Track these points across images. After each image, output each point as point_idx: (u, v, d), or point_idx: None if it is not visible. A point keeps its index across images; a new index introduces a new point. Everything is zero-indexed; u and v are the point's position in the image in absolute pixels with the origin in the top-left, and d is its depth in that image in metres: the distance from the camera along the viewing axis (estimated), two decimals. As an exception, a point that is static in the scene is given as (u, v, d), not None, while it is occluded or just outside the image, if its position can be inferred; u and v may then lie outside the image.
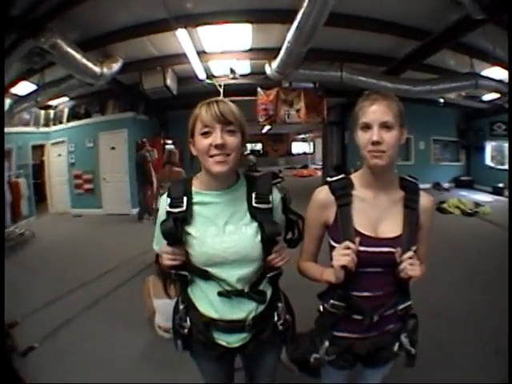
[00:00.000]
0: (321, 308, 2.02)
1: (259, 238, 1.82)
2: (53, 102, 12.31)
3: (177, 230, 1.76)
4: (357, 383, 2.34)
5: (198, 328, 1.93)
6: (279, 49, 7.42)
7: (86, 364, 4.04)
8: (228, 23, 7.41)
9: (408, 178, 1.95)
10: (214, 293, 1.85)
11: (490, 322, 4.61)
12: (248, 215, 1.85)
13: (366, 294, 1.86)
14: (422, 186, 1.94)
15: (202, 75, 10.32)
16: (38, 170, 14.09)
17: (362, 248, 1.74)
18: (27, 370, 3.71)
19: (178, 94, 10.90)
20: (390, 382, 2.27)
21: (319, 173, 22.41)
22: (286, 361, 2.19)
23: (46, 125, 13.81)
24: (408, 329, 1.97)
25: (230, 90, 10.66)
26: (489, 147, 15.88)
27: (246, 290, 1.86)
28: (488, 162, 15.93)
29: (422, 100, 12.28)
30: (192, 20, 7.17)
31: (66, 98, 12.42)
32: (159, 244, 1.94)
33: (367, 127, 1.75)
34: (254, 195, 1.84)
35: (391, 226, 1.86)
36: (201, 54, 8.89)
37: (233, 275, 1.83)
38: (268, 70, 8.94)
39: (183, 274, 1.89)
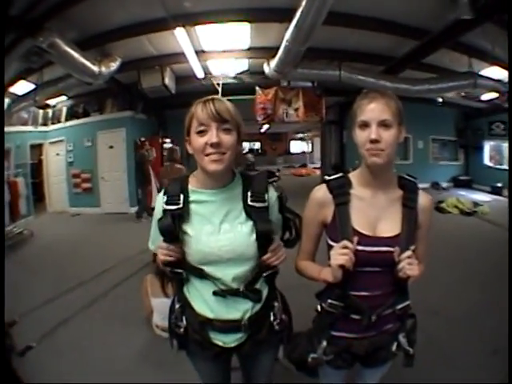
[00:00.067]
0: (318, 307, 2.02)
1: (254, 236, 1.81)
2: (51, 101, 12.30)
3: (174, 227, 1.76)
4: (355, 383, 2.33)
5: (193, 327, 1.93)
6: (278, 48, 7.42)
7: (84, 363, 4.04)
8: (226, 22, 7.40)
9: (406, 177, 1.94)
10: (210, 292, 1.85)
11: (489, 321, 4.61)
12: (243, 214, 1.84)
13: (364, 293, 1.86)
14: (420, 185, 1.93)
15: (200, 74, 10.34)
16: (37, 169, 14.07)
17: (360, 247, 1.73)
18: (25, 370, 3.70)
19: (177, 92, 10.95)
20: (388, 381, 2.27)
21: (317, 172, 22.45)
22: (284, 360, 2.19)
23: (45, 124, 13.81)
24: (406, 329, 1.97)
25: (228, 89, 10.64)
26: (487, 147, 15.90)
27: (241, 289, 1.85)
28: (486, 161, 15.95)
29: (421, 99, 12.31)
30: (190, 19, 7.17)
31: (64, 97, 12.40)
32: (155, 243, 1.93)
33: (365, 125, 1.74)
34: (249, 194, 1.84)
35: (389, 225, 1.85)
36: (199, 53, 8.90)
37: (228, 274, 1.83)
38: (266, 69, 8.96)
39: (178, 272, 1.89)
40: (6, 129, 10.43)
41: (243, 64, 10.46)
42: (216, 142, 1.67)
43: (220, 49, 9.12)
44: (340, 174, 1.94)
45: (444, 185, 16.38)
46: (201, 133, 1.71)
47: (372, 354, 1.98)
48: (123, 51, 8.57)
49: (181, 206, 1.80)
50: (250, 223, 1.82)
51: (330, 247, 1.85)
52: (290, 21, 6.05)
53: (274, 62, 8.24)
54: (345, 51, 9.18)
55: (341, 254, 1.68)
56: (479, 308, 5.07)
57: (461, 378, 3.56)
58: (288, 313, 2.14)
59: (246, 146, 32.11)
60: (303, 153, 34.09)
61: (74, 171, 13.64)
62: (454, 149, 17.57)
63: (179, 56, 8.87)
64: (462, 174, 17.15)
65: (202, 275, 1.85)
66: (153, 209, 1.94)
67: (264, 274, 1.91)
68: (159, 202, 1.88)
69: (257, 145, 33.28)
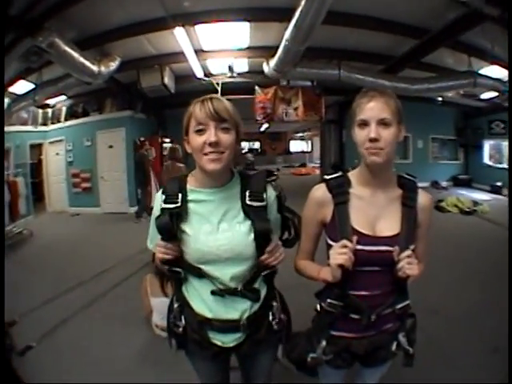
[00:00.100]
0: (318, 307, 2.02)
1: (252, 235, 1.81)
2: (51, 101, 12.38)
3: (172, 225, 1.75)
4: (355, 383, 2.33)
5: (192, 327, 1.92)
6: (277, 47, 7.42)
7: (84, 363, 4.04)
8: (226, 21, 7.40)
9: (406, 176, 1.94)
10: (208, 292, 1.84)
11: (489, 320, 4.60)
12: (242, 213, 1.83)
13: (363, 292, 1.85)
14: (420, 184, 1.92)
15: (199, 73, 10.35)
16: (36, 169, 14.09)
17: (359, 247, 1.73)
18: (25, 369, 3.70)
19: (176, 92, 10.94)
20: (387, 381, 2.27)
21: (317, 171, 22.40)
22: (284, 360, 2.19)
23: (44, 124, 13.81)
24: (406, 328, 1.96)
25: (227, 89, 10.64)
26: (487, 146, 15.92)
27: (239, 289, 1.84)
28: (486, 160, 15.97)
29: (420, 98, 12.36)
30: (190, 18, 7.17)
31: (63, 97, 12.43)
32: (153, 242, 1.93)
33: (364, 124, 1.74)
34: (247, 193, 1.83)
35: (389, 225, 1.85)
36: (198, 52, 8.90)
37: (226, 273, 1.82)
38: (266, 68, 8.96)
39: (177, 271, 1.88)
40: (6, 128, 10.41)
41: (243, 63, 10.44)
42: (214, 141, 1.67)
43: (219, 48, 9.11)
44: (339, 173, 1.93)
45: (444, 184, 16.39)
46: (199, 132, 1.71)
47: (372, 354, 1.98)
48: (122, 51, 8.58)
49: (179, 204, 1.80)
50: (249, 222, 1.81)
51: (330, 247, 1.84)
52: (289, 20, 6.05)
53: (273, 62, 8.24)
54: (344, 50, 9.18)
55: (340, 254, 1.68)
56: (479, 307, 5.07)
57: (460, 378, 3.56)
58: (287, 312, 2.13)
59: (246, 145, 32.13)
60: (303, 152, 34.12)
61: (74, 171, 13.64)
62: (454, 148, 17.58)
63: (178, 55, 8.87)
64: (462, 173, 17.16)
65: (201, 274, 1.85)
66: (152, 208, 1.93)
67: (262, 274, 1.90)
68: (157, 200, 1.88)
69: (256, 144, 33.27)
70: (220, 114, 1.69)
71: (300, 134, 32.93)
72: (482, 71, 9.41)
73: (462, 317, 4.83)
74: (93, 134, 13.38)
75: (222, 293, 1.83)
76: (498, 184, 14.23)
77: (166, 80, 10.04)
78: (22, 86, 9.42)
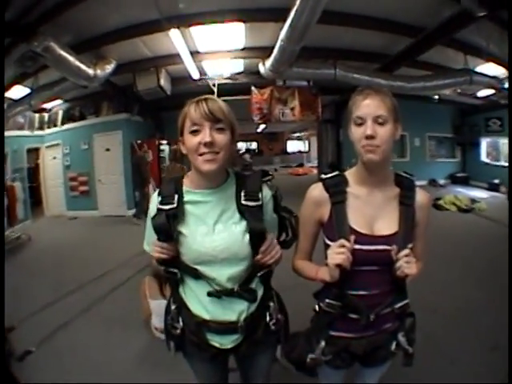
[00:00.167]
0: (316, 307, 2.01)
1: (248, 235, 1.80)
2: (47, 105, 12.39)
3: (169, 226, 1.75)
4: (355, 383, 2.33)
5: (190, 329, 1.92)
6: (272, 47, 7.41)
7: (84, 367, 4.04)
8: (221, 23, 7.39)
9: (403, 175, 1.93)
10: (205, 293, 1.84)
11: (487, 318, 4.61)
12: (237, 213, 1.83)
13: (361, 292, 1.85)
14: (417, 182, 1.93)
15: (195, 75, 10.33)
16: (34, 174, 14.07)
17: (357, 246, 1.72)
18: (24, 375, 3.70)
19: (172, 94, 10.91)
20: (387, 379, 2.26)
21: (315, 171, 22.47)
22: (283, 360, 2.18)
23: (41, 128, 13.79)
24: (405, 328, 1.96)
25: (223, 90, 10.64)
26: (484, 143, 15.97)
27: (235, 289, 1.84)
28: (483, 158, 16.02)
29: (417, 97, 12.41)
30: (185, 20, 7.16)
31: (60, 101, 12.47)
32: (150, 244, 1.91)
33: (361, 121, 1.73)
34: (242, 193, 1.83)
35: (387, 224, 1.84)
36: (194, 53, 8.89)
37: (223, 274, 1.82)
38: (262, 68, 8.94)
39: (173, 272, 1.88)
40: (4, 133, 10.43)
41: (238, 64, 10.44)
42: (209, 142, 1.67)
43: (215, 49, 9.11)
44: (336, 173, 1.93)
45: (441, 182, 16.42)
46: (194, 132, 1.70)
47: (371, 354, 1.97)
48: (118, 54, 8.57)
49: (175, 205, 1.80)
50: (244, 223, 1.81)
51: (327, 246, 1.83)
52: (284, 20, 6.04)
53: (269, 62, 8.22)
54: (340, 50, 9.19)
55: (338, 253, 1.67)
56: (476, 304, 5.08)
57: (458, 375, 3.58)
58: (284, 312, 2.13)
59: (243, 146, 32.16)
60: (300, 152, 34.21)
61: (71, 174, 13.62)
62: (451, 146, 17.62)
63: (174, 57, 8.87)
64: (459, 171, 17.19)
65: (197, 275, 1.85)
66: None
67: (258, 274, 1.90)
68: (153, 202, 1.88)
69: (253, 145, 33.36)
70: (215, 115, 1.68)
71: (297, 134, 32.99)
72: (478, 69, 9.43)
73: (460, 314, 4.84)
74: (90, 137, 13.36)
75: (219, 294, 1.83)
76: (496, 181, 14.28)
77: (162, 82, 10.03)
78: (17, 91, 9.41)
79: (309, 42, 6.90)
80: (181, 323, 1.95)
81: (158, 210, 1.81)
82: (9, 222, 10.54)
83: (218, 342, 1.91)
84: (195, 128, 1.70)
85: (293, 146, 34.93)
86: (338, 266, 1.68)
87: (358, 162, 1.87)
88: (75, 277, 6.65)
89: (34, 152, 13.93)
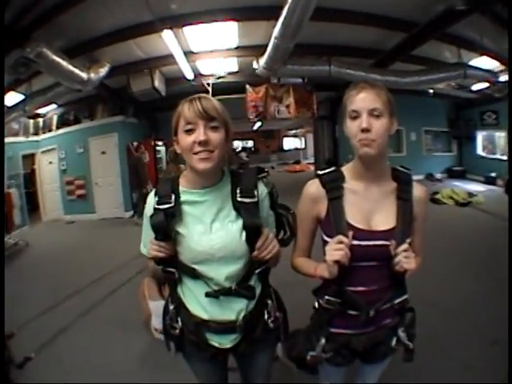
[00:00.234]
0: (316, 304, 2.00)
1: (245, 233, 1.80)
2: (41, 111, 12.34)
3: (167, 224, 1.75)
4: (355, 382, 2.33)
5: (189, 328, 1.92)
6: (266, 45, 7.40)
7: (84, 371, 4.04)
8: (213, 22, 7.38)
9: (400, 169, 1.93)
10: (203, 293, 1.84)
11: (486, 311, 4.61)
12: (233, 211, 1.82)
13: (360, 288, 1.84)
14: (414, 177, 1.92)
15: (189, 75, 10.33)
16: (30, 179, 14.06)
17: (355, 242, 1.71)
18: (24, 382, 3.69)
19: (167, 95, 10.92)
20: (386, 374, 2.26)
21: (312, 167, 22.54)
22: (283, 358, 2.18)
23: (36, 133, 13.79)
24: (405, 323, 1.95)
25: (218, 89, 10.65)
26: (480, 137, 15.99)
27: (233, 288, 1.83)
28: (479, 151, 16.04)
29: (412, 91, 12.39)
30: (177, 21, 7.15)
31: (54, 106, 12.43)
32: (147, 246, 1.91)
33: (356, 115, 1.73)
34: (238, 190, 1.82)
35: (384, 219, 1.84)
36: (188, 54, 8.88)
37: (221, 273, 1.82)
38: (256, 66, 8.93)
39: (171, 272, 1.88)
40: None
41: (232, 63, 10.44)
42: (204, 140, 1.66)
43: (208, 49, 9.10)
44: (332, 168, 1.92)
45: (438, 176, 16.45)
46: (188, 132, 1.70)
47: (371, 350, 1.97)
48: (111, 56, 8.57)
49: (172, 205, 1.79)
50: (241, 220, 1.80)
51: (325, 243, 1.82)
52: (277, 18, 6.04)
53: (263, 60, 8.21)
54: (334, 46, 9.19)
55: (336, 250, 1.66)
56: (475, 298, 5.08)
57: (458, 370, 3.58)
58: (283, 310, 2.12)
59: (239, 144, 32.16)
60: (296, 149, 34.20)
61: (68, 178, 13.61)
62: (447, 140, 17.63)
63: (168, 58, 8.86)
64: (456, 165, 17.22)
65: (195, 275, 1.84)
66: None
67: (256, 271, 1.90)
68: (150, 203, 1.87)
69: (250, 143, 33.30)
70: (209, 113, 1.68)
71: (293, 131, 33.07)
72: (472, 62, 9.44)
73: (459, 308, 4.85)
74: (85, 140, 13.36)
75: (217, 294, 1.82)
76: (492, 175, 14.31)
77: (157, 83, 10.02)
78: (11, 98, 9.41)
79: (302, 39, 6.89)
80: (179, 323, 1.95)
81: (155, 209, 1.80)
82: (6, 229, 10.51)
83: (217, 341, 1.90)
84: (189, 127, 1.69)
85: (289, 143, 34.91)
86: (337, 262, 1.67)
87: (355, 157, 1.86)
88: (74, 281, 6.65)
89: (29, 158, 13.92)
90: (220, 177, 1.87)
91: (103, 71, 8.60)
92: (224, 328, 1.87)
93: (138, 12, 6.70)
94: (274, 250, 1.77)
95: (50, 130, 13.85)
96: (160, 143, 13.85)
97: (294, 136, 34.43)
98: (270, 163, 29.39)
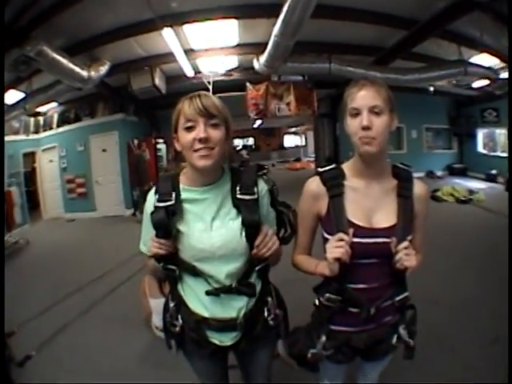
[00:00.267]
0: (316, 302, 1.99)
1: (245, 230, 1.80)
2: (42, 109, 12.33)
3: (168, 221, 1.75)
4: (356, 380, 2.33)
5: (189, 326, 1.92)
6: (266, 43, 7.39)
7: (85, 368, 4.04)
8: (214, 20, 7.37)
9: (401, 166, 1.92)
10: (204, 291, 1.83)
11: (486, 309, 4.61)
12: (233, 209, 1.82)
13: (361, 286, 1.84)
14: (415, 174, 1.91)
15: (189, 73, 10.32)
16: (30, 178, 14.06)
17: (355, 239, 1.71)
18: (25, 380, 3.70)
19: (167, 92, 10.90)
20: (387, 371, 2.26)
21: (312, 165, 22.49)
22: (284, 356, 2.18)
23: (36, 132, 13.78)
24: (406, 320, 1.95)
25: (219, 87, 10.64)
26: (480, 134, 15.96)
27: (234, 286, 1.83)
28: (480, 149, 16.01)
29: (413, 89, 12.39)
30: (177, 18, 7.14)
31: (55, 104, 12.42)
32: (147, 245, 1.92)
33: (356, 113, 1.72)
34: (238, 187, 1.82)
35: (385, 216, 1.83)
36: (188, 51, 8.87)
37: (221, 271, 1.82)
38: (256, 64, 8.92)
39: (171, 269, 1.87)
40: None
41: (233, 61, 10.43)
42: (204, 137, 1.66)
43: (209, 47, 9.09)
44: (333, 166, 1.92)
45: (439, 173, 16.39)
46: (188, 129, 1.69)
47: (372, 348, 1.97)
48: (112, 54, 8.55)
49: (173, 202, 1.79)
50: (240, 218, 1.80)
51: (326, 240, 1.83)
52: (277, 16, 6.03)
53: (263, 58, 8.20)
54: (334, 43, 9.17)
55: (336, 247, 1.66)
56: (476, 295, 5.09)
57: (459, 369, 3.58)
58: (283, 307, 2.13)
59: (240, 142, 32.17)
60: (297, 147, 34.15)
61: (68, 177, 13.63)
62: (448, 137, 17.60)
63: (168, 56, 8.85)
64: (457, 162, 17.17)
65: (196, 273, 1.84)
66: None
67: (256, 268, 1.90)
68: (150, 200, 1.87)
69: (250, 141, 33.29)
70: (209, 110, 1.68)
71: (294, 129, 32.97)
72: (473, 60, 9.43)
73: (459, 305, 4.85)
74: (86, 138, 13.36)
75: (218, 292, 1.82)
76: (493, 172, 14.28)
77: (157, 81, 10.01)
78: (12, 96, 9.40)
79: (303, 37, 6.88)
80: (180, 320, 1.95)
81: (156, 207, 1.80)
82: (7, 227, 10.51)
83: (218, 339, 1.91)
84: (189, 124, 1.69)
85: (290, 140, 34.88)
86: (337, 259, 1.67)
87: (355, 154, 1.86)
88: (74, 279, 6.65)
89: (30, 156, 13.92)
90: (220, 174, 1.86)
91: (103, 69, 8.60)
92: (224, 325, 1.87)
93: (138, 10, 6.68)
94: (274, 247, 1.77)
95: (51, 128, 13.86)
96: (160, 141, 13.85)
97: (295, 134, 34.40)
98: (270, 161, 29.33)
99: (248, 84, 11.67)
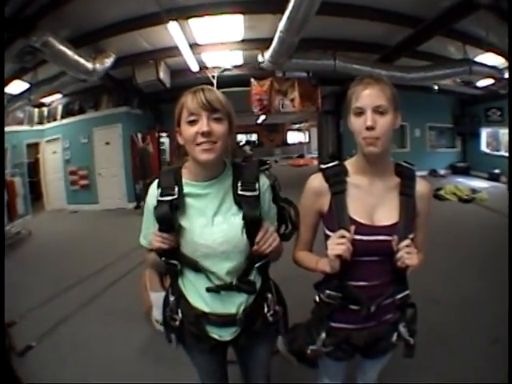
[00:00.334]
0: (317, 298, 2.00)
1: (246, 227, 1.79)
2: (46, 100, 12.37)
3: (172, 215, 1.74)
4: (355, 377, 2.33)
5: (189, 320, 1.92)
6: (272, 39, 7.39)
7: (85, 360, 4.05)
8: (219, 15, 7.37)
9: (404, 164, 1.91)
10: (204, 286, 1.84)
11: (488, 308, 4.61)
12: (235, 204, 1.82)
13: (362, 283, 1.84)
14: (418, 173, 1.90)
15: (194, 67, 10.32)
16: (34, 168, 14.09)
17: (357, 236, 1.70)
18: (25, 369, 3.70)
19: (172, 86, 10.91)
20: (387, 370, 2.27)
21: (315, 162, 22.47)
22: (284, 352, 2.18)
23: (40, 122, 13.83)
24: (406, 318, 1.94)
25: (223, 82, 10.61)
26: (484, 133, 15.92)
27: (234, 283, 1.83)
28: (483, 148, 15.97)
29: (417, 87, 12.33)
30: (183, 12, 7.14)
31: (59, 95, 12.44)
32: (147, 238, 1.93)
33: (360, 112, 1.71)
34: (239, 183, 1.81)
35: (387, 214, 1.83)
36: (193, 46, 8.87)
37: (222, 268, 1.81)
38: (261, 60, 8.91)
39: (173, 264, 1.87)
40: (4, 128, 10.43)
41: (238, 56, 10.43)
42: (207, 131, 1.65)
43: (214, 41, 9.09)
44: (336, 162, 1.91)
45: (442, 172, 16.38)
46: (191, 122, 1.69)
47: (372, 345, 1.97)
48: (117, 47, 8.57)
49: (176, 197, 1.78)
50: (242, 214, 1.79)
51: (327, 237, 1.82)
52: (283, 12, 6.03)
53: (268, 53, 8.20)
54: (339, 41, 9.17)
55: (338, 244, 1.65)
56: (478, 295, 5.09)
57: (459, 368, 3.58)
58: (283, 304, 2.13)
59: (243, 138, 32.15)
60: (300, 143, 34.21)
61: (71, 168, 13.65)
62: (451, 136, 17.58)
63: (173, 50, 8.85)
64: (460, 161, 17.14)
65: (197, 268, 1.84)
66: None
67: (256, 265, 1.89)
68: (152, 194, 1.86)
69: (254, 136, 33.30)
70: (212, 104, 1.67)
71: (297, 126, 33.02)
72: (478, 59, 9.40)
73: (461, 305, 4.85)
74: (89, 131, 13.38)
75: (218, 289, 1.82)
76: (496, 171, 14.26)
77: (161, 75, 10.02)
78: (17, 86, 9.41)
79: (308, 33, 6.89)
80: (180, 315, 1.95)
81: (159, 201, 1.79)
82: (9, 217, 10.54)
83: (217, 333, 1.91)
84: (192, 118, 1.69)
85: (293, 137, 34.90)
86: (338, 256, 1.66)
87: (358, 151, 1.85)
88: (76, 271, 6.66)
89: (33, 147, 13.96)
90: (222, 169, 1.86)
91: (108, 62, 8.62)
92: (224, 321, 1.87)
93: (144, 3, 6.70)
94: (274, 244, 1.76)
95: (55, 120, 13.89)
96: (164, 135, 13.85)
97: (298, 130, 34.41)
98: (273, 157, 29.33)
99: (252, 80, 11.69)
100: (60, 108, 13.80)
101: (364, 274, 1.83)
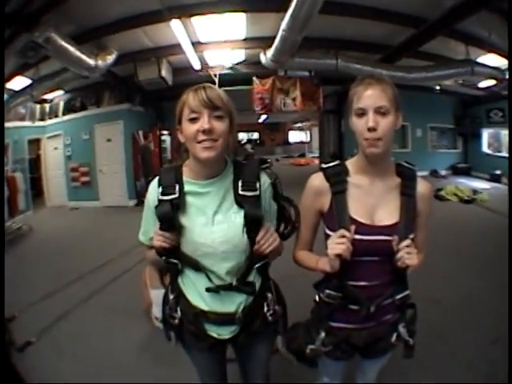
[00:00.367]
0: (317, 298, 2.00)
1: (246, 226, 1.79)
2: (48, 96, 12.40)
3: (173, 214, 1.74)
4: (354, 377, 2.34)
5: (188, 318, 1.92)
6: (274, 37, 7.39)
7: (84, 357, 4.05)
8: (222, 13, 7.36)
9: (405, 165, 1.91)
10: (204, 285, 1.84)
11: (488, 309, 4.61)
12: (235, 204, 1.81)
13: (362, 283, 1.84)
14: (419, 173, 1.90)
15: (196, 65, 10.32)
16: (35, 164, 14.10)
17: (357, 236, 1.71)
18: (25, 365, 3.71)
19: (174, 84, 10.91)
20: (386, 370, 2.27)
21: (316, 161, 22.48)
22: (284, 351, 2.18)
23: (42, 119, 13.82)
24: (406, 319, 1.94)
25: (225, 80, 10.63)
26: (485, 134, 15.90)
27: (234, 284, 1.83)
28: (485, 149, 15.96)
29: (419, 87, 12.35)
30: (186, 10, 7.14)
31: (61, 92, 12.48)
32: (146, 235, 1.94)
33: (362, 113, 1.71)
34: (240, 183, 1.81)
35: (388, 214, 1.83)
36: (195, 44, 8.87)
37: (222, 267, 1.81)
38: (263, 58, 8.92)
39: (173, 263, 1.87)
40: (4, 124, 10.42)
41: (240, 54, 10.42)
42: (208, 129, 1.65)
43: (216, 39, 9.08)
44: (337, 162, 1.91)
45: (443, 173, 16.34)
46: (193, 120, 1.69)
47: (371, 345, 1.97)
48: (119, 44, 8.55)
49: (177, 195, 1.78)
50: (243, 213, 1.79)
51: (328, 236, 1.82)
52: (285, 10, 6.03)
53: (270, 52, 8.21)
54: (341, 40, 9.18)
55: (338, 244, 1.65)
56: (478, 295, 5.08)
57: (459, 369, 3.58)
58: (282, 303, 2.12)
59: (245, 136, 32.18)
60: (302, 142, 34.20)
61: (73, 165, 13.64)
62: (453, 137, 17.54)
63: (175, 48, 8.85)
64: (461, 162, 17.12)
65: (197, 267, 1.83)
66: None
67: (256, 266, 1.89)
68: (153, 192, 1.87)
69: (255, 135, 33.39)
70: (213, 102, 1.67)
71: (299, 125, 33.03)
72: (480, 59, 9.40)
73: (461, 305, 4.84)
74: (91, 127, 13.37)
75: (218, 289, 1.82)
76: (497, 172, 14.23)
77: (164, 72, 10.03)
78: (19, 82, 9.42)
79: (311, 33, 6.90)
80: (179, 313, 1.95)
81: (160, 200, 1.79)
82: (10, 213, 10.57)
83: (216, 332, 1.91)
84: (194, 116, 1.69)
85: (294, 136, 34.96)
86: (338, 256, 1.66)
87: (359, 151, 1.85)
88: (76, 267, 6.67)
89: (35, 143, 13.96)
90: (223, 167, 1.86)
91: (111, 58, 8.60)
92: (223, 319, 1.87)
93: (146, 0, 6.69)
94: (275, 244, 1.76)
95: (57, 116, 13.89)
96: (165, 132, 13.87)
97: (300, 129, 34.43)
98: (274, 156, 29.38)
99: (254, 78, 11.68)
100: (62, 104, 13.80)
101: (364, 274, 1.83)
